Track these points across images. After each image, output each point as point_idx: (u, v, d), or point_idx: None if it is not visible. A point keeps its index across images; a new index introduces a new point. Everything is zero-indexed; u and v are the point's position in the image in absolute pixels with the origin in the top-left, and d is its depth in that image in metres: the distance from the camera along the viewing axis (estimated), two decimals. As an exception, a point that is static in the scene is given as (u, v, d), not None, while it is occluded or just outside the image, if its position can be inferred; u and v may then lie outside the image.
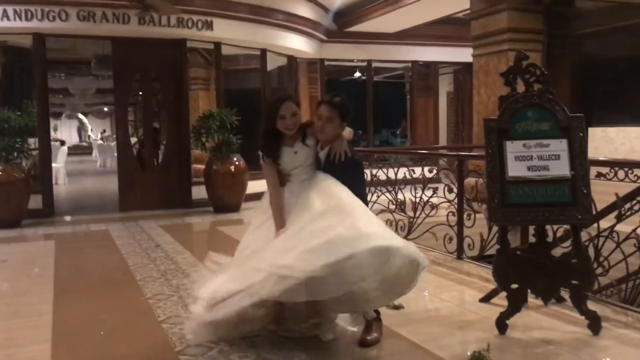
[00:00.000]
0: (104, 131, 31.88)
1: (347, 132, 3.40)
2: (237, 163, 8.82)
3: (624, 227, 4.00)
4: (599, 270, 4.02)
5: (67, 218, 8.63)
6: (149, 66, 9.29)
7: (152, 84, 9.73)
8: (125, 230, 7.42)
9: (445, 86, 15.66)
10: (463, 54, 11.16)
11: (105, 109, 29.83)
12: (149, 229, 7.46)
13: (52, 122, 28.07)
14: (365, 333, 3.35)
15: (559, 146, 3.52)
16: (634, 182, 3.84)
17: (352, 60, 13.36)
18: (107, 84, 14.99)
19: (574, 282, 3.51)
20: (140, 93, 10.06)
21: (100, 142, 25.39)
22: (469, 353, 3.11)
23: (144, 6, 7.93)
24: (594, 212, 3.76)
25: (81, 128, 34.95)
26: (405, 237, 6.16)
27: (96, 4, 8.25)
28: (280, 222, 3.30)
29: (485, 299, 4.09)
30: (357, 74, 14.13)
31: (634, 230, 3.93)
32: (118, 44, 8.98)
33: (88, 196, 11.89)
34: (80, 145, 32.29)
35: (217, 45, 9.68)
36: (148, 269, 5.26)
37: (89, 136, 33.87)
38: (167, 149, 9.52)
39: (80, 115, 32.76)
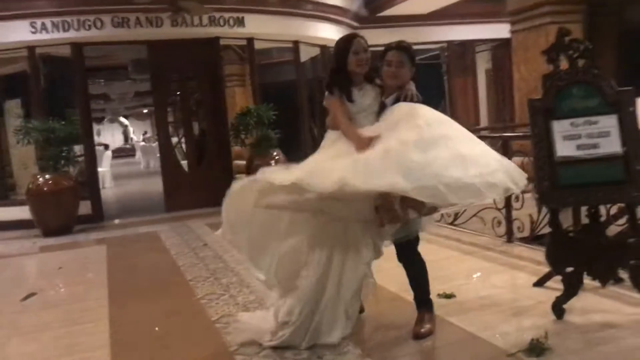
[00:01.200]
0: (146, 133, 32.54)
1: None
2: (276, 157, 8.87)
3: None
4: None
5: (117, 221, 8.84)
6: (185, 66, 9.41)
7: (188, 83, 9.85)
8: (173, 230, 7.55)
9: (483, 64, 15.27)
10: (500, 30, 10.88)
11: (145, 111, 30.41)
12: (196, 228, 7.57)
13: (95, 127, 28.80)
14: (418, 325, 3.31)
15: (609, 122, 3.38)
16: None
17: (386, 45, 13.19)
18: (145, 86, 15.25)
19: (632, 262, 3.38)
20: (178, 93, 10.18)
21: (142, 143, 25.90)
22: (527, 341, 3.04)
23: (176, 8, 8.00)
24: (650, 188, 3.60)
25: (125, 131, 35.75)
26: (452, 224, 6.12)
27: (129, 10, 8.37)
28: (359, 136, 3.10)
29: (539, 283, 3.99)
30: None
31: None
32: (153, 47, 9.10)
33: (135, 198, 12.14)
34: (124, 147, 33.04)
35: (250, 40, 9.69)
36: (197, 269, 5.34)
37: (132, 138, 34.62)
38: (208, 147, 9.63)
39: (122, 119, 33.50)
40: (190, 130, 9.88)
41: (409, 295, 3.46)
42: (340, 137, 3.24)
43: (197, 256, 5.89)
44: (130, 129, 35.00)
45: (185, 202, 9.10)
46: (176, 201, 9.16)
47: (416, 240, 3.36)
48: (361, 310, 3.59)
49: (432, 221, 3.47)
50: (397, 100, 3.27)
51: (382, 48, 3.42)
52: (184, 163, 9.73)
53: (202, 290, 4.60)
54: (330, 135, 3.35)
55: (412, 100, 3.24)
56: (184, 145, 9.92)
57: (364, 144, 3.05)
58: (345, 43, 3.32)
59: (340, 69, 3.32)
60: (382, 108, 3.31)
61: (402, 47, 3.32)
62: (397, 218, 3.05)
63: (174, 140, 10.19)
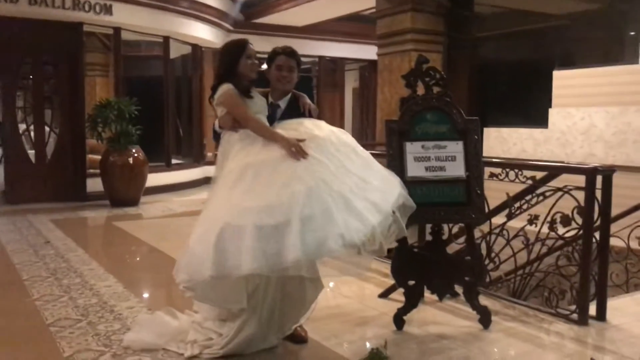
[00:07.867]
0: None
1: None
2: (136, 155, 8.49)
3: (514, 224, 4.22)
4: (491, 266, 4.23)
5: (-55, 211, 7.95)
6: (42, 50, 8.73)
7: (44, 68, 9.15)
8: (12, 224, 6.93)
9: (351, 82, 15.90)
10: (369, 52, 11.36)
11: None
12: (39, 223, 7.00)
13: None
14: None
15: (456, 148, 3.64)
16: (523, 182, 4.05)
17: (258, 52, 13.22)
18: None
19: (467, 278, 3.65)
20: (31, 77, 9.40)
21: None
22: (368, 350, 3.16)
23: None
24: (486, 211, 3.92)
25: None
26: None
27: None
28: (283, 136, 2.99)
29: (384, 295, 4.18)
30: (264, 66, 14.01)
31: (523, 227, 4.16)
32: (5, 24, 8.33)
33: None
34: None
35: (117, 30, 9.25)
36: (36, 268, 4.93)
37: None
38: (60, 138, 8.99)
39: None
40: (41, 118, 9.15)
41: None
42: (249, 138, 3.06)
43: (37, 254, 5.45)
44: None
45: (29, 195, 8.41)
46: (19, 193, 8.44)
47: None
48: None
49: None
50: (291, 102, 3.32)
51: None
52: (32, 153, 8.99)
53: (38, 291, 4.25)
54: (231, 137, 3.13)
55: (309, 112, 3.32)
56: (32, 134, 9.15)
57: (293, 145, 2.94)
58: (237, 47, 3.21)
59: (231, 71, 3.16)
60: (273, 109, 3.29)
61: (291, 53, 3.32)
62: None
63: (22, 127, 9.38)
